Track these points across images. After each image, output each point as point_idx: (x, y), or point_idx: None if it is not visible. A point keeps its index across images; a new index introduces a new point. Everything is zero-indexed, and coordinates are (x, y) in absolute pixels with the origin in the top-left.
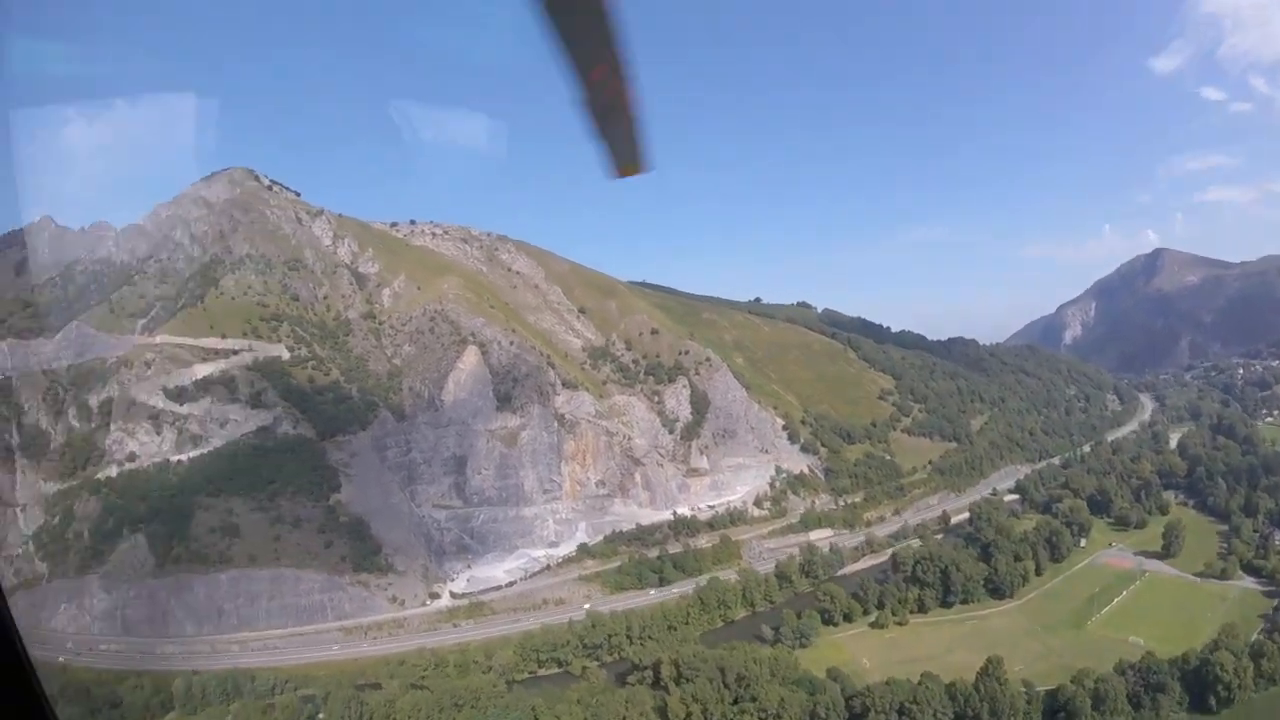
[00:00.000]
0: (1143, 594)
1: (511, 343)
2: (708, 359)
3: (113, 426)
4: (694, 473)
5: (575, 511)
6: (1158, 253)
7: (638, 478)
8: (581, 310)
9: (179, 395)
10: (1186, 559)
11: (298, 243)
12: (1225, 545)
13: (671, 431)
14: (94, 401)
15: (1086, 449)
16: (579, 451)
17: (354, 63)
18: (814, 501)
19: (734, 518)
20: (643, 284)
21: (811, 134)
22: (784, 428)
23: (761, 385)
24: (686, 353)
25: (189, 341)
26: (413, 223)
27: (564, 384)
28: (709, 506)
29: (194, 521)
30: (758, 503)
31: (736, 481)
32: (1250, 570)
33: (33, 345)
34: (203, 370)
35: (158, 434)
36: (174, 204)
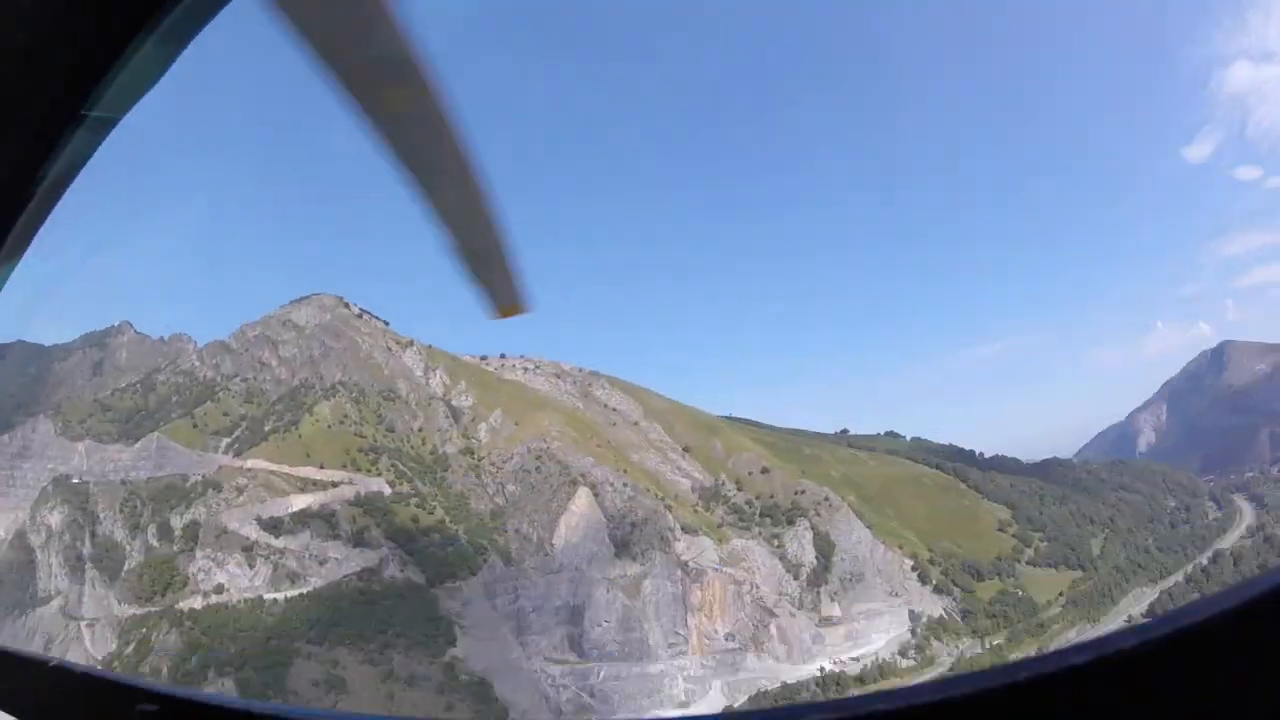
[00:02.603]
0: None
1: (625, 484)
2: (826, 498)
3: (198, 553)
4: (826, 621)
5: (705, 668)
6: (1223, 346)
7: (772, 629)
8: (685, 449)
9: (274, 527)
10: None
11: (390, 373)
12: None
13: (796, 577)
14: (177, 522)
15: (1203, 561)
16: (706, 602)
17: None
18: (958, 647)
19: (883, 670)
20: (731, 418)
21: (873, 271)
22: (913, 568)
23: (881, 524)
24: (802, 492)
25: (285, 469)
26: (503, 356)
27: (683, 528)
28: (853, 659)
29: (293, 670)
30: (902, 651)
31: (870, 629)
32: None
33: (110, 451)
34: (300, 501)
35: (250, 567)
36: (261, 324)
